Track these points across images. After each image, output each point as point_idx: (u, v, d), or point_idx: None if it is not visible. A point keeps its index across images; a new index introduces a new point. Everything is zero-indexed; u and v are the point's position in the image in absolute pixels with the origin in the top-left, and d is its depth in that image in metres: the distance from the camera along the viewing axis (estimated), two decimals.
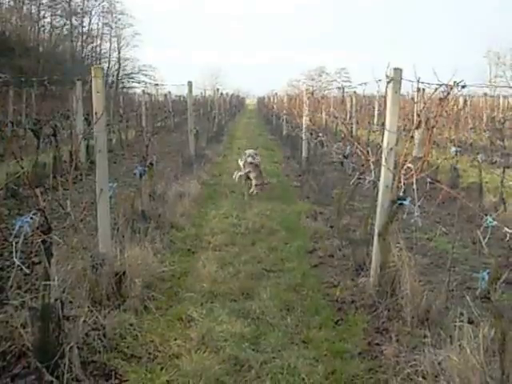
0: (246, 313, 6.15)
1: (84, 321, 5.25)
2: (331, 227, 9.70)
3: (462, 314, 4.87)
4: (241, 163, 12.94)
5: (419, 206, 6.03)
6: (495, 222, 4.54)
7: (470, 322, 4.90)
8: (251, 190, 12.68)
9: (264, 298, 6.53)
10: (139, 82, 71.56)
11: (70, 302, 5.40)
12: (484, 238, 4.44)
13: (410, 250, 6.36)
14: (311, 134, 14.85)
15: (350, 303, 6.55)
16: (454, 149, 12.66)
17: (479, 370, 4.28)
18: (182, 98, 34.95)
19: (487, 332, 4.41)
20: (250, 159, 12.58)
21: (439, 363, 4.72)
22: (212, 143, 22.15)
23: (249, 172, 12.69)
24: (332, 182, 12.55)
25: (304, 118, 15.60)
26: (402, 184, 6.24)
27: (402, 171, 6.25)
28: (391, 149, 6.51)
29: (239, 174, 12.95)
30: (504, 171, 10.72)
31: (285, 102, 27.49)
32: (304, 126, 15.57)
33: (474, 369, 4.36)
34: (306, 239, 9.15)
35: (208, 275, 7.23)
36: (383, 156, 6.58)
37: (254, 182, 12.66)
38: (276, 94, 39.13)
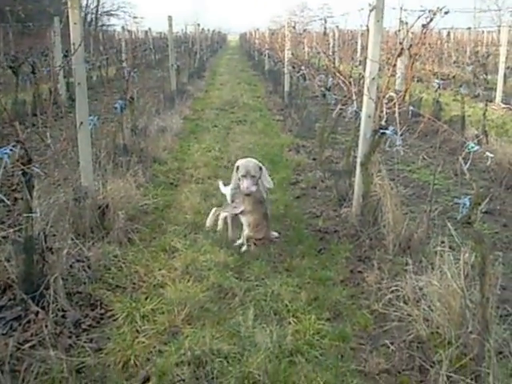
0: (230, 244, 6.18)
1: (68, 253, 5.24)
2: (314, 159, 9.72)
3: (443, 241, 4.89)
4: (225, 189, 6.85)
5: (401, 135, 6.02)
6: (477, 147, 4.55)
7: (452, 248, 4.95)
8: (240, 241, 6.24)
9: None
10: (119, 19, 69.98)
11: (54, 235, 5.38)
12: (466, 163, 4.44)
13: (392, 181, 6.38)
14: (293, 67, 14.69)
15: (333, 233, 6.61)
16: (436, 81, 12.60)
17: (460, 294, 4.34)
18: (162, 35, 34.33)
19: (468, 257, 4.46)
20: (245, 186, 5.91)
21: (420, 289, 4.78)
22: (194, 79, 21.91)
23: (241, 212, 6.17)
24: (314, 115, 12.49)
25: (286, 51, 15.41)
26: (384, 114, 6.21)
27: (385, 100, 6.22)
28: (373, 78, 6.45)
29: (221, 213, 6.58)
30: (487, 104, 10.69)
31: (267, 37, 27.15)
32: (286, 60, 15.40)
33: (454, 293, 4.41)
34: (289, 171, 9.16)
35: (191, 207, 7.24)
36: (365, 86, 6.52)
37: (246, 231, 6.16)
38: (258, 29, 38.56)
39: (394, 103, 6.09)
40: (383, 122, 6.20)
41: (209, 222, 6.58)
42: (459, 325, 4.25)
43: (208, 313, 4.77)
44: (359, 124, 6.89)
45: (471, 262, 4.39)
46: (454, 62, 22.17)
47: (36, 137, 6.88)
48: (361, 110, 6.84)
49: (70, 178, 6.55)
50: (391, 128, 6.09)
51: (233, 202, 6.29)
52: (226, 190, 6.63)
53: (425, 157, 8.69)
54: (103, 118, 8.61)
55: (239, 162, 6.11)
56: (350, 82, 7.67)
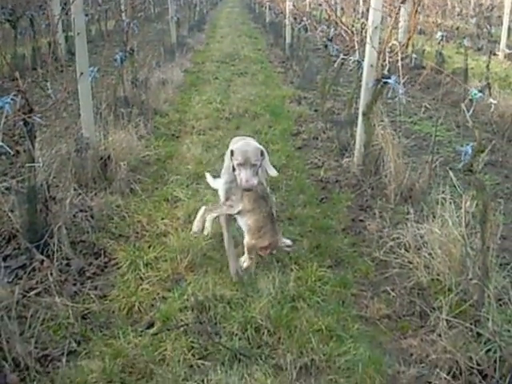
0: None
1: (71, 202, 5.26)
2: (315, 111, 9.68)
3: (444, 191, 4.90)
4: (215, 183, 5.47)
5: (403, 85, 5.99)
6: (480, 94, 4.52)
7: (453, 197, 4.96)
8: (242, 259, 4.74)
9: None
10: None
11: (56, 185, 5.40)
12: (468, 111, 4.42)
13: (394, 132, 6.37)
14: (295, 19, 14.51)
15: (335, 182, 6.63)
16: (439, 33, 12.45)
17: (460, 242, 4.37)
18: None
19: (469, 205, 4.47)
20: (245, 178, 4.36)
21: (421, 236, 4.81)
22: (194, 32, 21.63)
23: (238, 213, 4.69)
24: (316, 67, 12.40)
25: (287, 3, 15.18)
26: (387, 63, 6.18)
27: (387, 50, 6.17)
28: (376, 27, 6.38)
29: (210, 214, 5.10)
30: (490, 56, 10.58)
31: None
32: (287, 12, 15.19)
33: (455, 241, 4.45)
34: (291, 122, 9.13)
35: (193, 158, 7.26)
36: (368, 35, 6.45)
37: (246, 238, 4.65)
38: None
39: (397, 52, 6.06)
40: (385, 72, 6.17)
41: (196, 225, 5.05)
42: (459, 272, 4.29)
43: (210, 260, 4.82)
44: (361, 74, 6.85)
45: (472, 210, 4.41)
46: (458, 15, 21.88)
47: (37, 90, 6.88)
48: (363, 60, 6.79)
49: (71, 129, 6.53)
50: (393, 77, 6.05)
51: (227, 199, 4.68)
52: (217, 184, 5.08)
53: (427, 105, 8.62)
54: (103, 70, 8.57)
55: (234, 146, 4.52)
56: (352, 32, 7.59)
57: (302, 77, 12.13)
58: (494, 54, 14.68)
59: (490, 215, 4.13)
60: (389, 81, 6.07)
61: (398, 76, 5.97)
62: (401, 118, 8.64)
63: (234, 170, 4.45)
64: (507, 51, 14.83)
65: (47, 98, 6.09)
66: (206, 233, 5.06)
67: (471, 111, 4.35)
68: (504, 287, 4.06)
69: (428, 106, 8.62)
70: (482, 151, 4.43)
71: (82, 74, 6.31)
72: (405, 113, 9.35)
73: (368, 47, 6.48)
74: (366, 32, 6.71)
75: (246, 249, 4.59)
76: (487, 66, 10.17)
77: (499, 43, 15.83)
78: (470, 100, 4.58)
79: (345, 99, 9.35)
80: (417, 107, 10.06)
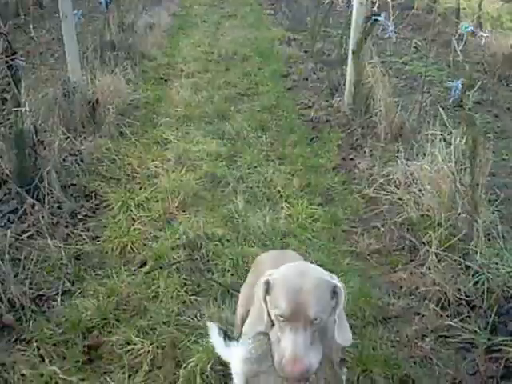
0: (221, 134, 6.21)
1: (60, 146, 5.24)
2: (305, 52, 9.56)
3: (434, 128, 4.90)
4: (227, 351, 2.58)
5: (393, 23, 5.94)
6: (471, 27, 4.49)
7: (443, 134, 4.96)
8: None
9: (239, 120, 6.58)
10: None
11: (45, 131, 5.36)
12: (459, 46, 4.40)
13: (384, 71, 6.32)
14: None
15: (325, 122, 6.61)
16: None
17: (450, 177, 4.39)
18: None
19: (459, 141, 4.48)
20: (290, 350, 2.08)
21: (411, 173, 4.84)
22: None
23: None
24: (306, 8, 12.19)
25: None
26: (377, 0, 6.11)
27: None
28: None
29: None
30: None
31: None
32: None
33: (445, 177, 4.47)
34: (280, 64, 9.03)
35: (182, 100, 7.20)
36: None
37: None
38: None
39: None
40: (375, 9, 6.10)
41: None
42: (449, 207, 4.32)
43: (202, 200, 4.85)
44: (351, 12, 6.76)
45: (462, 145, 4.42)
46: None
47: (22, 38, 6.75)
48: None
49: (57, 73, 6.46)
50: (383, 14, 5.99)
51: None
52: (233, 353, 2.47)
53: (418, 43, 8.54)
54: (89, 16, 8.43)
55: (278, 271, 2.32)
56: None
57: (291, 18, 11.95)
58: None
59: (479, 150, 4.15)
60: (379, 18, 6.01)
61: (388, 14, 5.92)
62: (391, 58, 8.60)
63: (272, 322, 2.28)
64: None
65: (31, 40, 6.02)
66: None
67: (462, 45, 4.33)
68: (492, 222, 4.10)
69: (418, 43, 8.51)
70: (472, 86, 4.43)
71: (66, 16, 6.21)
72: (395, 53, 9.25)
73: None
74: None
75: None
76: (479, 5, 10.05)
77: None
78: (460, 37, 4.55)
79: (335, 40, 9.22)
80: (408, 47, 9.94)
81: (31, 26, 5.18)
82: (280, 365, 2.11)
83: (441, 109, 4.93)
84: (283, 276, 2.24)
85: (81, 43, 6.86)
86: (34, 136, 4.79)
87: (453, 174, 4.35)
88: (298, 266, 2.38)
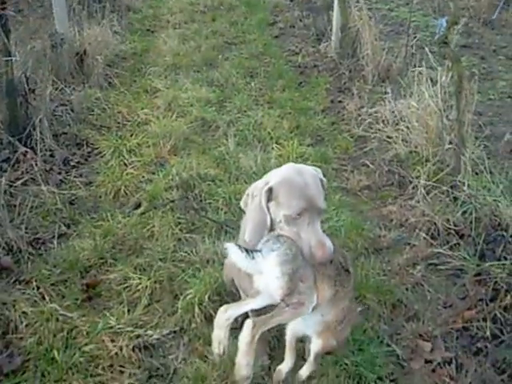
0: (210, 81, 6.23)
1: (50, 96, 5.25)
2: (291, 0, 9.49)
3: (420, 68, 4.92)
4: (249, 261, 2.42)
5: None
6: None
7: (429, 74, 4.98)
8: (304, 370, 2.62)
9: (227, 67, 6.59)
10: None
11: (35, 82, 5.35)
12: None
13: (370, 14, 6.32)
14: None
15: (313, 67, 6.64)
16: None
17: (437, 113, 4.45)
18: None
19: (445, 78, 4.52)
20: (319, 241, 2.40)
21: (399, 112, 4.89)
22: None
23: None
24: None
25: None
26: None
27: None
28: None
29: (263, 328, 2.46)
30: None
31: None
32: None
33: (432, 113, 4.52)
34: (267, 13, 8.98)
35: (170, 50, 7.19)
36: None
37: (320, 343, 2.52)
38: None
39: None
40: None
41: (216, 341, 2.60)
42: (436, 143, 4.40)
43: (193, 144, 4.90)
44: None
45: (448, 82, 4.47)
46: None
47: None
48: None
49: (45, 25, 6.42)
50: None
51: (290, 293, 2.38)
52: (260, 265, 2.43)
53: None
54: None
55: (274, 179, 2.50)
56: None
57: None
58: None
59: (464, 85, 4.20)
60: None
61: None
62: (377, 5, 8.57)
63: (281, 224, 2.44)
64: None
65: None
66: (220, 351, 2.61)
67: None
68: (480, 157, 4.17)
69: None
70: (456, 23, 4.46)
71: None
72: (381, 0, 9.26)
73: None
74: None
75: (313, 356, 2.57)
76: None
77: None
78: None
79: None
80: None
81: None
82: (310, 253, 2.36)
83: (426, 48, 4.96)
84: (285, 179, 2.44)
85: None
86: (25, 85, 4.80)
87: (439, 110, 4.41)
88: (291, 167, 2.59)
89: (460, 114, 4.15)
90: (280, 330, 2.69)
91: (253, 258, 2.37)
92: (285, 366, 2.59)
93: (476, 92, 4.46)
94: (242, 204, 2.65)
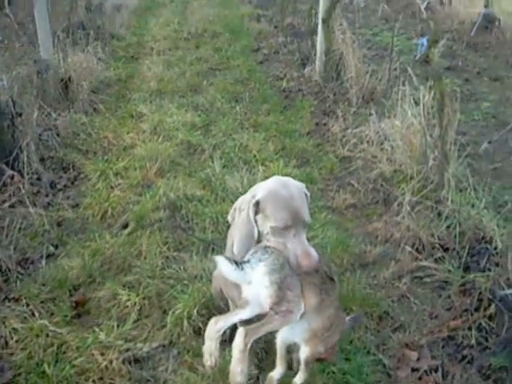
0: (195, 106, 6.29)
1: (37, 123, 5.27)
2: (275, 27, 9.66)
3: (404, 88, 4.99)
4: (238, 272, 2.48)
5: None
6: None
7: (412, 94, 5.06)
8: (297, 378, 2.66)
9: (212, 92, 6.67)
10: None
11: (21, 107, 5.38)
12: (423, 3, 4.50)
13: (353, 36, 6.43)
14: None
15: (297, 92, 6.73)
16: None
17: (420, 131, 4.52)
18: None
19: (427, 96, 4.60)
20: (304, 251, 2.47)
21: (383, 131, 4.96)
22: None
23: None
24: None
25: None
26: None
27: None
28: None
29: (255, 336, 2.47)
30: None
31: None
32: None
33: (415, 131, 4.60)
34: (251, 39, 9.13)
35: (154, 76, 7.27)
36: None
37: (308, 350, 2.57)
38: None
39: None
40: None
41: (208, 353, 2.56)
42: (420, 161, 4.46)
43: (179, 166, 4.93)
44: None
45: (431, 98, 4.55)
46: None
47: None
48: None
49: (30, 52, 6.48)
50: None
51: (279, 302, 2.44)
52: (249, 276, 2.50)
53: (385, 7, 8.66)
54: None
55: (261, 192, 2.57)
56: None
57: None
58: None
59: (446, 102, 4.28)
60: None
61: None
62: (362, 30, 8.72)
63: (268, 236, 2.52)
64: None
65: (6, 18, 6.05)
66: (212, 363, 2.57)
67: (425, 4, 4.44)
68: (464, 175, 4.24)
69: (386, 7, 8.64)
70: (437, 41, 4.56)
71: None
72: (365, 26, 9.44)
73: None
74: None
75: (304, 364, 2.62)
76: None
77: None
78: None
79: (304, 15, 9.32)
80: (377, 20, 10.13)
81: (6, 5, 5.18)
82: (296, 262, 2.44)
83: (409, 69, 5.05)
84: (271, 192, 2.53)
85: (51, 23, 6.88)
86: (12, 109, 4.83)
87: (423, 128, 4.49)
88: (276, 180, 2.68)
89: (443, 131, 4.22)
90: (268, 342, 2.74)
91: (242, 269, 2.43)
92: (276, 373, 2.63)
93: (460, 112, 4.54)
94: (229, 218, 2.73)
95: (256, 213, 2.51)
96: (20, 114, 4.95)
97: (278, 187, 2.55)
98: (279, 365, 2.64)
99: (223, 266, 2.47)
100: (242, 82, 7.02)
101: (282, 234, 2.46)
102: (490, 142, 4.72)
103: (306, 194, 2.61)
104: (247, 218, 2.52)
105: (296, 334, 2.56)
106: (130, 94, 6.71)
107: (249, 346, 2.44)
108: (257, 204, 2.50)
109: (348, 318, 2.73)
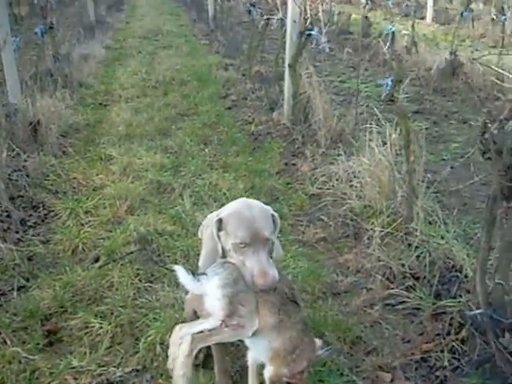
0: (164, 148, 6.34)
1: (6, 164, 5.26)
2: (243, 75, 9.78)
3: (371, 127, 5.10)
4: (195, 283, 2.62)
5: (326, 36, 6.23)
6: (394, 28, 4.76)
7: (379, 133, 5.16)
8: None
9: (180, 136, 6.74)
10: None
11: None
12: (386, 45, 4.65)
13: (320, 81, 6.58)
14: None
15: (266, 134, 6.81)
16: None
17: (388, 168, 4.62)
18: None
19: (394, 132, 4.72)
20: (262, 269, 2.58)
21: (352, 169, 5.04)
22: (112, 11, 21.28)
23: (253, 334, 2.62)
24: (241, 35, 12.47)
25: None
26: (309, 15, 6.38)
27: (308, 3, 6.38)
28: None
29: (201, 344, 2.61)
30: (415, 15, 10.94)
31: None
32: None
33: (383, 168, 4.69)
34: (219, 87, 9.23)
35: (123, 121, 7.32)
36: None
37: (271, 370, 2.61)
38: None
39: (318, 3, 6.26)
40: (308, 25, 6.37)
41: (171, 357, 2.66)
42: (389, 196, 4.54)
43: (149, 204, 4.95)
44: (285, 31, 7.01)
45: (397, 136, 4.66)
46: None
47: None
48: (286, 17, 6.95)
49: None
50: (316, 29, 6.28)
51: (231, 315, 2.53)
52: (204, 287, 2.62)
53: (349, 52, 8.88)
54: (25, 44, 8.47)
55: (224, 211, 2.75)
56: None
57: (227, 46, 12.20)
58: (422, 18, 15.63)
59: (412, 137, 4.39)
60: (312, 32, 6.28)
61: (320, 29, 6.21)
62: (330, 77, 8.92)
63: (231, 252, 2.66)
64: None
65: None
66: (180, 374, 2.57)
67: (388, 44, 4.58)
68: (434, 210, 4.32)
69: (352, 55, 8.86)
70: (401, 81, 4.69)
71: (5, 42, 6.30)
72: (333, 73, 9.70)
73: (290, 4, 6.64)
74: None
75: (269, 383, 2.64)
76: (412, 25, 10.49)
77: (426, 9, 16.40)
78: (386, 34, 4.81)
79: (271, 64, 9.50)
80: (345, 68, 10.40)
81: None
82: (252, 281, 2.55)
83: (375, 109, 5.18)
84: (235, 211, 2.70)
85: (19, 70, 6.93)
86: None
87: (390, 164, 4.58)
88: (242, 201, 2.83)
89: (410, 165, 4.31)
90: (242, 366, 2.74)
91: (198, 280, 2.57)
92: None
93: (429, 152, 4.67)
94: (199, 234, 3.06)
95: (219, 229, 2.67)
96: None
97: (241, 208, 2.71)
98: (251, 382, 2.74)
99: (181, 276, 2.60)
100: (210, 126, 7.10)
101: (241, 251, 2.59)
102: (452, 168, 4.83)
103: (273, 215, 2.73)
104: (211, 234, 2.71)
105: (259, 351, 2.66)
106: (99, 138, 6.73)
107: (194, 352, 2.54)
108: (220, 221, 2.67)
109: (322, 350, 2.73)
